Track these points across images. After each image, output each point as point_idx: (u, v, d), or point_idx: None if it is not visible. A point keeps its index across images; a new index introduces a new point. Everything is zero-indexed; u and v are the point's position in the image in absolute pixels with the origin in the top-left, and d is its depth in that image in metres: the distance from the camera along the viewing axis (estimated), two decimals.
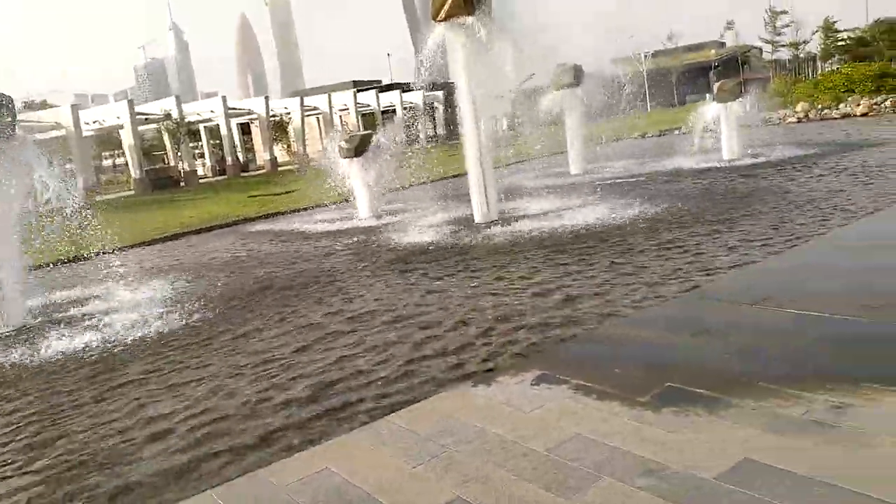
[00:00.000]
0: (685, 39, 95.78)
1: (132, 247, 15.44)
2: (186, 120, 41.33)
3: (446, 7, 11.92)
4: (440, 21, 12.18)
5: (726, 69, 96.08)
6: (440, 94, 53.57)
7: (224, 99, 43.80)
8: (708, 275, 6.53)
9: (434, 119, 60.64)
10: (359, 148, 15.48)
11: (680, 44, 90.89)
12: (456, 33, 12.20)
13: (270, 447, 3.99)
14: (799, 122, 29.62)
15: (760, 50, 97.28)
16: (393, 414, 3.97)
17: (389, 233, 12.99)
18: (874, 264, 5.55)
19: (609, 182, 16.53)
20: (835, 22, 74.65)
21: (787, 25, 75.99)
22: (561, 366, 4.27)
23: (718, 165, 16.69)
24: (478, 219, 12.77)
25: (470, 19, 12.03)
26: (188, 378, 5.66)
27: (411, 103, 55.49)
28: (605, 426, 3.42)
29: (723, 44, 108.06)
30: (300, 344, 6.24)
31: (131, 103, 38.19)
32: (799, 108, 32.39)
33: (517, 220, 12.14)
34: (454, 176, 22.47)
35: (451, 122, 58.35)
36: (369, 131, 16.57)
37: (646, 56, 74.86)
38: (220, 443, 4.26)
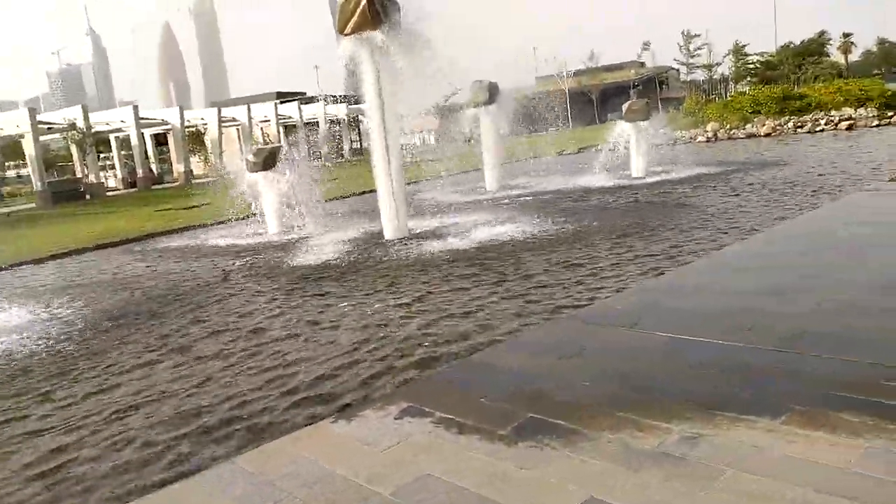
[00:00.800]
0: (606, 59, 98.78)
1: (13, 266, 14.46)
2: (94, 130, 39.39)
3: (352, 22, 11.71)
4: (347, 35, 11.97)
5: (646, 89, 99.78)
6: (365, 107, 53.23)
7: (135, 108, 42.04)
8: (592, 296, 6.54)
9: (360, 132, 60.17)
10: (267, 162, 15.04)
11: (601, 63, 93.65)
12: (363, 48, 12.01)
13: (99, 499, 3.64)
14: (708, 141, 30.83)
15: (678, 71, 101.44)
16: (240, 456, 3.68)
17: (292, 250, 12.61)
18: (752, 286, 5.62)
19: (519, 199, 16.66)
20: (744, 46, 78.69)
21: (700, 48, 79.60)
22: (429, 397, 4.08)
23: (625, 183, 17.09)
24: (388, 235, 12.57)
25: (377, 34, 11.87)
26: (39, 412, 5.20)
27: (336, 116, 54.91)
28: (459, 463, 3.24)
29: (643, 64, 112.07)
30: (152, 374, 5.86)
31: (32, 111, 36.06)
32: (709, 127, 33.78)
33: (426, 238, 12.02)
34: (373, 191, 22.21)
35: None
36: (278, 144, 16.13)
37: (567, 75, 76.75)
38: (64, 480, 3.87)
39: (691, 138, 31.92)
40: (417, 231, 12.89)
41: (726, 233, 9.04)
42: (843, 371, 3.73)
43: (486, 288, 7.62)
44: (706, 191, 13.96)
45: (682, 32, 79.72)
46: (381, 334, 6.23)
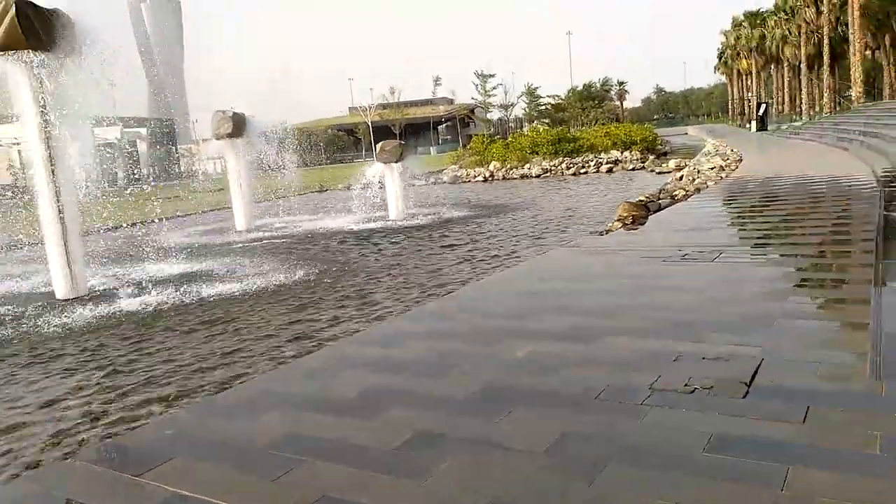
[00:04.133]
0: (411, 94, 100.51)
1: None
2: None
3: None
4: None
5: (453, 125, 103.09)
6: (144, 130, 48.73)
7: None
8: (188, 400, 5.21)
9: (137, 158, 54.92)
10: None
11: (408, 98, 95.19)
12: (17, 68, 9.90)
13: None
14: (486, 181, 31.33)
15: (485, 109, 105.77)
16: None
17: None
18: (334, 396, 4.49)
19: (257, 244, 15.14)
20: (536, 88, 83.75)
21: (495, 88, 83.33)
22: None
23: (374, 226, 16.25)
24: (59, 294, 10.39)
25: (35, 54, 9.82)
26: None
27: (107, 139, 49.50)
28: None
29: (451, 101, 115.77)
30: None
31: None
32: (491, 167, 34.55)
33: (104, 299, 10.04)
34: (109, 229, 19.41)
35: (166, 162, 53.59)
36: None
37: (371, 109, 76.56)
38: None
39: (472, 177, 32.36)
40: (105, 287, 10.87)
41: (395, 302, 8.28)
42: None
43: (100, 380, 6.00)
44: (432, 240, 13.72)
45: (476, 72, 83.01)
46: None
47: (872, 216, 8.93)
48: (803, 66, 58.13)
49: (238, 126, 17.42)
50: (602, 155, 36.08)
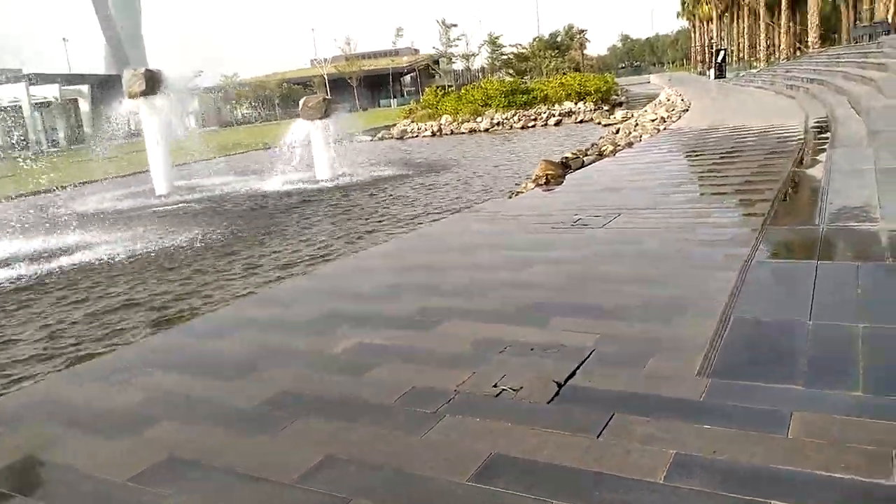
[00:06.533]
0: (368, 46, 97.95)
1: None
2: None
3: None
4: None
5: (417, 77, 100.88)
6: (85, 87, 46.40)
7: None
8: None
9: (77, 117, 52.31)
10: None
11: (369, 49, 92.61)
12: None
13: None
14: (433, 136, 30.49)
15: (449, 60, 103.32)
16: None
17: None
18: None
19: (173, 207, 14.42)
20: (498, 37, 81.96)
21: (458, 38, 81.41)
22: None
23: (299, 188, 15.54)
24: None
25: None
26: None
27: (45, 98, 47.09)
28: None
29: (417, 51, 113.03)
30: None
31: None
32: (443, 120, 33.62)
33: None
34: (24, 195, 18.39)
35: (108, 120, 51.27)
36: None
37: (327, 61, 74.07)
38: None
39: (420, 132, 31.48)
40: None
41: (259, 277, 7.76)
42: None
43: None
44: (348, 201, 13.21)
45: (438, 21, 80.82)
46: None
47: (783, 172, 8.52)
48: (762, 10, 57.39)
49: (152, 83, 16.37)
50: (555, 107, 35.31)
